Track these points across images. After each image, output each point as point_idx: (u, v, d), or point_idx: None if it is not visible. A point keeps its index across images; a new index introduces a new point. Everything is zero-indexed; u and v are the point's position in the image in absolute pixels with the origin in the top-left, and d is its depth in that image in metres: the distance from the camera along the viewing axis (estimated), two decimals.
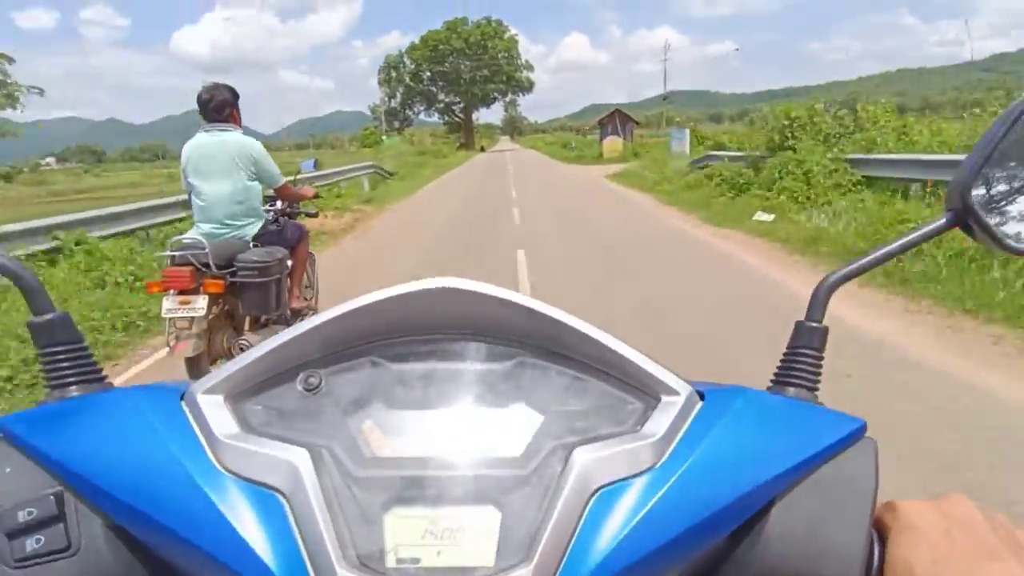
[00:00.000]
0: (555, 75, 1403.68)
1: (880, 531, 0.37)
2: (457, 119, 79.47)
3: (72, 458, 0.35)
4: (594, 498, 0.34)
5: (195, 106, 3.27)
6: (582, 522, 0.33)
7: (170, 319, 2.95)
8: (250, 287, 3.15)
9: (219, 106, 3.20)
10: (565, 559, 0.32)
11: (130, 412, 0.37)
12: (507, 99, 79.85)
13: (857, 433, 0.38)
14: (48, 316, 0.42)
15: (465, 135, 76.08)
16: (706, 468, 0.35)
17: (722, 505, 0.34)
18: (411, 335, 0.41)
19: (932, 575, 0.33)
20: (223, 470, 0.34)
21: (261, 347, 0.38)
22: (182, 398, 0.38)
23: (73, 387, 0.42)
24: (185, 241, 3.09)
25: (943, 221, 0.46)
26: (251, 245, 3.26)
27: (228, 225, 3.22)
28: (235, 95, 3.30)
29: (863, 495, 0.36)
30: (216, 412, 0.36)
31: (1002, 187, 0.45)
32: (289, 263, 3.45)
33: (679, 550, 0.34)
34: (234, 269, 3.12)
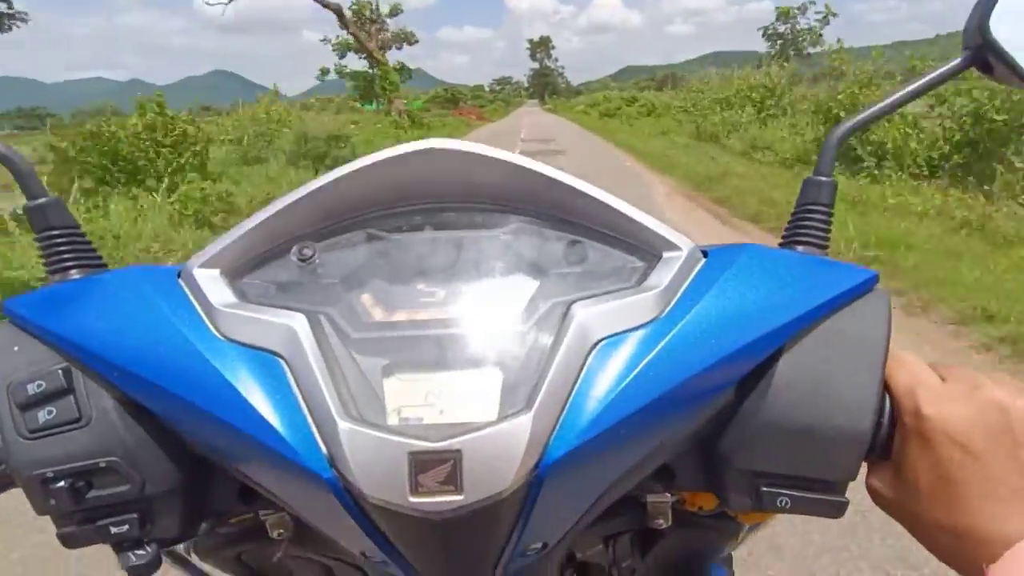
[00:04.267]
0: (585, 37, 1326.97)
1: (889, 389, 0.37)
2: None
3: (77, 334, 0.36)
4: (595, 350, 0.34)
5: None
6: (583, 373, 0.33)
7: None
8: None
9: None
10: (566, 408, 0.32)
11: (130, 289, 0.38)
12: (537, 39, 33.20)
13: (868, 284, 0.38)
14: (41, 200, 0.42)
15: None
16: (709, 319, 0.35)
17: (725, 354, 0.34)
18: (405, 204, 0.41)
19: (938, 415, 0.34)
20: (222, 337, 0.35)
21: (253, 218, 0.38)
22: (179, 276, 0.39)
23: (73, 271, 0.42)
24: None
25: (959, 61, 0.44)
26: None
27: None
28: None
29: (874, 346, 0.36)
30: (213, 285, 0.37)
31: None
32: None
33: (682, 400, 0.34)
34: None
